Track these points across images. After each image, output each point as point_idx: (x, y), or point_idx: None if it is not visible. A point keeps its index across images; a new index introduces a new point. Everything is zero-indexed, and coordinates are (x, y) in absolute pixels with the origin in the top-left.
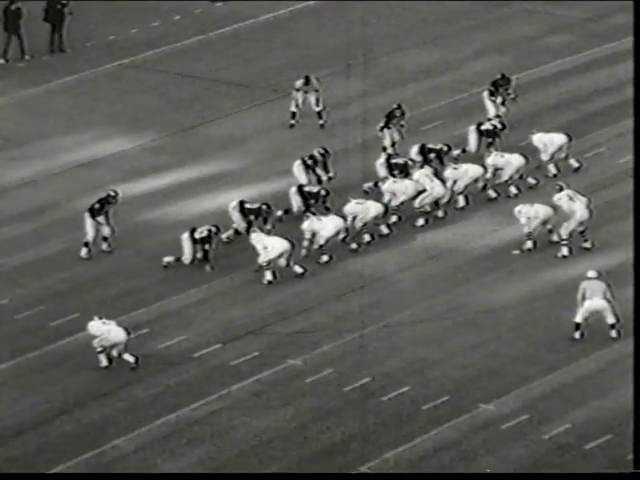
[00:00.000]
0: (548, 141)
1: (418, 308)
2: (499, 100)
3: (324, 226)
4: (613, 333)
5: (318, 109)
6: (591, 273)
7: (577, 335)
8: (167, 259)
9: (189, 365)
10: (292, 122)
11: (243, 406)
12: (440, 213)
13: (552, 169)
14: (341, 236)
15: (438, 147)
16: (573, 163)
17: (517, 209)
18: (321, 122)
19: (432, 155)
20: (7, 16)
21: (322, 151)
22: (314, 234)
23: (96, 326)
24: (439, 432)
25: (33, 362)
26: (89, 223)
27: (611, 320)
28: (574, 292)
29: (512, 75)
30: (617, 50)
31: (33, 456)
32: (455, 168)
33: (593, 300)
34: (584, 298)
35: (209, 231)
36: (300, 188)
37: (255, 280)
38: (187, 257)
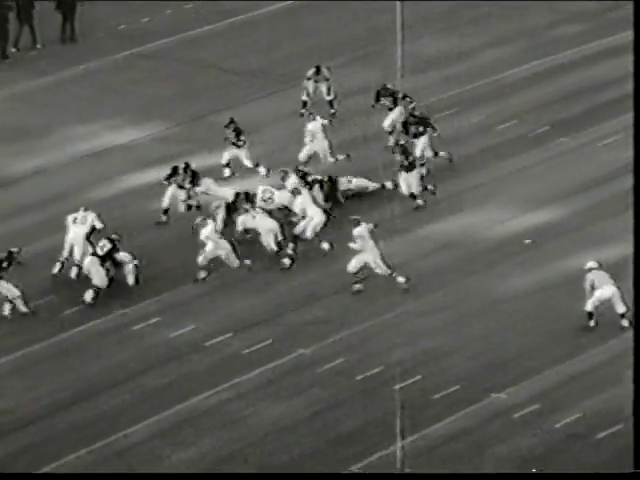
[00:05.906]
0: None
1: (429, 298)
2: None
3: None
4: (624, 322)
5: (329, 98)
6: (594, 263)
7: (592, 323)
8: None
9: (200, 354)
10: (303, 111)
11: (254, 396)
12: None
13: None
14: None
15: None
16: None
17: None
18: (332, 111)
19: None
20: (20, 5)
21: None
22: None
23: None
24: (450, 421)
25: (43, 352)
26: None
27: (621, 309)
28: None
29: (522, 65)
30: (623, 42)
31: (43, 446)
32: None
33: (604, 288)
34: (593, 288)
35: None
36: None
37: (266, 269)
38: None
